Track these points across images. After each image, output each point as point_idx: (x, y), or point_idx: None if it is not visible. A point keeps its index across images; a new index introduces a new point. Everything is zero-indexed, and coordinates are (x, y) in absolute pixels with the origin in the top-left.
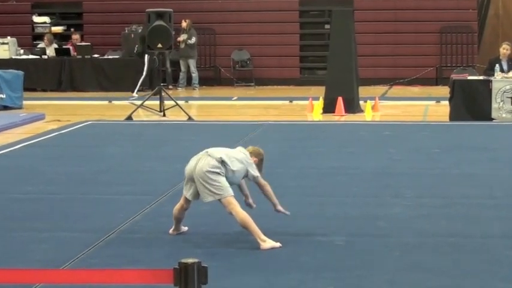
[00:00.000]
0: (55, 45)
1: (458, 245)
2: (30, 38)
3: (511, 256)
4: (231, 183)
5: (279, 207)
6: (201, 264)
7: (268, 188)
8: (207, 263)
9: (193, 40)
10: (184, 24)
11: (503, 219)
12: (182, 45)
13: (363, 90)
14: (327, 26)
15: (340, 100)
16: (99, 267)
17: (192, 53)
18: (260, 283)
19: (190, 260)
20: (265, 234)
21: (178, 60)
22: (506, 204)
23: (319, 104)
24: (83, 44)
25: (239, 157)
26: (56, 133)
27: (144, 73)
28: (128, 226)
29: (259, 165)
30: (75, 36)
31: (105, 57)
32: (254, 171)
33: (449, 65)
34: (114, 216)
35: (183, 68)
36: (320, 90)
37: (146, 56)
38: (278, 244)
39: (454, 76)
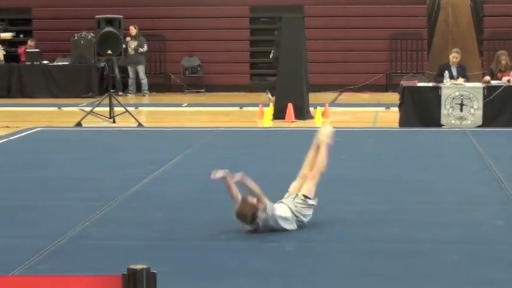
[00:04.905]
0: (3, 52)
1: (407, 251)
2: None
3: (457, 261)
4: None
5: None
6: (150, 270)
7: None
8: (157, 269)
9: (145, 48)
10: (133, 31)
11: (451, 225)
12: (132, 52)
13: (313, 97)
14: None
15: (290, 106)
16: (48, 274)
17: (140, 59)
18: None
19: (139, 266)
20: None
21: (126, 67)
22: (454, 210)
23: (269, 111)
24: (32, 50)
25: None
26: (5, 139)
27: None
28: (77, 232)
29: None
30: (31, 43)
31: (55, 63)
32: (263, 211)
33: (399, 71)
34: (64, 222)
35: (131, 75)
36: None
37: None
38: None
39: (404, 82)
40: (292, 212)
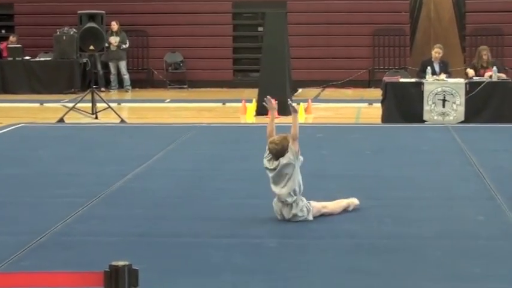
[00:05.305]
0: None
1: (390, 246)
2: None
3: (440, 256)
4: None
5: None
6: (131, 267)
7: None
8: (138, 266)
9: (127, 44)
10: (115, 26)
11: (433, 220)
12: (114, 48)
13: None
14: (260, 29)
15: None
16: (30, 270)
17: (122, 55)
18: (192, 285)
19: (121, 263)
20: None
21: (108, 63)
22: (437, 205)
23: (252, 107)
24: (14, 45)
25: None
26: None
27: None
28: (60, 229)
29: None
30: (13, 39)
31: (37, 59)
32: (292, 153)
33: (381, 67)
34: (46, 219)
35: (113, 71)
36: (253, 93)
37: None
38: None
39: (386, 78)
40: (301, 193)
